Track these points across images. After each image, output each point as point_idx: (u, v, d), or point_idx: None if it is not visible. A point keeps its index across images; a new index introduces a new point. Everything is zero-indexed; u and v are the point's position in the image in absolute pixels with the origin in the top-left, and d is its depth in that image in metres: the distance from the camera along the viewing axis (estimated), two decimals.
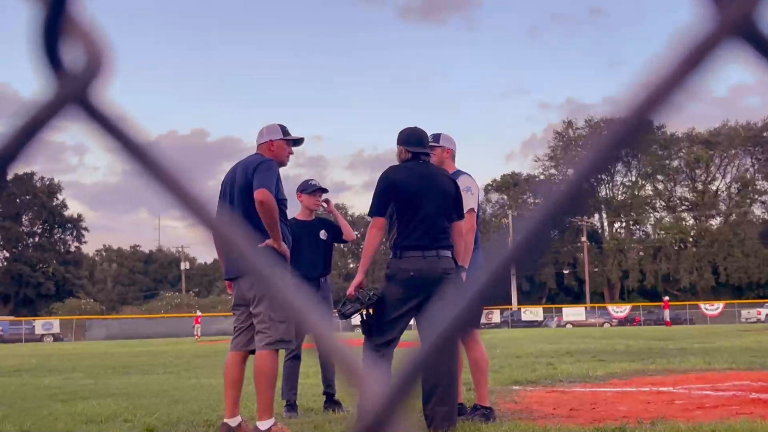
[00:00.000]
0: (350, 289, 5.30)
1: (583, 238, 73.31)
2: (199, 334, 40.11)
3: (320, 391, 7.00)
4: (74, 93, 0.50)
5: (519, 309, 62.30)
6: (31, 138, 0.51)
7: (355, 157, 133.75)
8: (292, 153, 5.59)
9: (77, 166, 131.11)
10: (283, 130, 5.55)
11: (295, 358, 6.62)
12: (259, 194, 5.05)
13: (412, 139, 5.38)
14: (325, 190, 7.02)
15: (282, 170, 5.45)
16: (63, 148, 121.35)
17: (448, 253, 5.21)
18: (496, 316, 59.50)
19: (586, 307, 61.30)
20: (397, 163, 5.44)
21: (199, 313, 43.38)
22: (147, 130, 0.52)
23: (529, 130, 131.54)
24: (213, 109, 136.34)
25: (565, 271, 77.95)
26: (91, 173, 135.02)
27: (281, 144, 5.51)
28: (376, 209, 5.25)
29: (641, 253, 77.42)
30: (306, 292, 0.53)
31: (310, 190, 6.96)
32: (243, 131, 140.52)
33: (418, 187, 5.21)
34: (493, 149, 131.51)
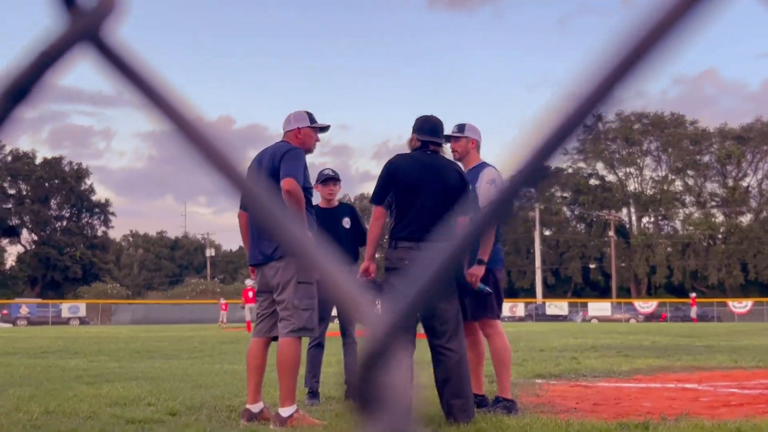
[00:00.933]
0: (358, 275, 5.33)
1: (611, 233, 72.74)
2: (225, 320, 40.19)
3: (342, 380, 7.00)
4: (86, 30, 0.49)
5: (544, 303, 61.92)
6: (42, 74, 0.50)
7: (380, 146, 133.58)
8: (318, 140, 5.58)
9: (104, 151, 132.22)
10: (310, 117, 5.54)
11: (318, 346, 6.63)
12: (286, 183, 5.04)
13: (424, 128, 5.32)
14: (334, 179, 6.98)
15: (307, 158, 5.44)
16: (90, 133, 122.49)
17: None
18: (520, 310, 59.21)
19: (612, 303, 60.80)
20: (408, 150, 5.41)
21: (224, 300, 43.47)
22: (159, 71, 0.51)
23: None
24: (239, 97, 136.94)
25: (592, 266, 77.36)
26: (118, 158, 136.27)
27: (308, 131, 5.49)
28: (375, 197, 5.26)
29: (669, 249, 76.64)
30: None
31: (321, 179, 6.95)
32: (269, 119, 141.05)
33: (419, 178, 5.14)
34: (519, 141, 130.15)
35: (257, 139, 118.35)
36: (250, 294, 30.74)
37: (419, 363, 5.71)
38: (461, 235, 0.42)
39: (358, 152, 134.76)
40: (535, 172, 0.41)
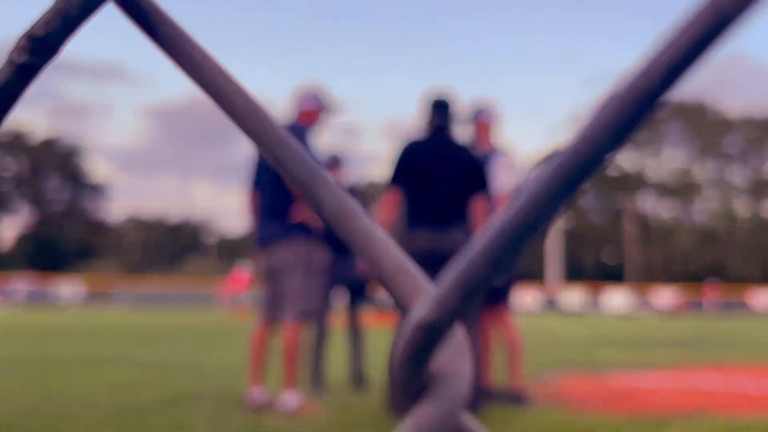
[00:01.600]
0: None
1: (628, 223, 72.30)
2: (232, 304, 37.63)
3: (347, 366, 6.87)
4: None
5: (557, 292, 61.70)
6: (70, 34, 0.49)
7: (388, 126, 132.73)
8: (327, 120, 5.52)
9: (103, 128, 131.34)
10: (321, 96, 5.49)
11: (323, 332, 6.48)
12: None
13: (434, 110, 5.18)
14: (336, 161, 6.83)
15: (313, 137, 5.39)
16: (89, 110, 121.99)
17: (461, 232, 5.00)
18: (532, 300, 59.00)
19: (628, 293, 60.49)
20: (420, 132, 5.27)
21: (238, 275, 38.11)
22: (186, 29, 0.49)
23: (574, 103, 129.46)
24: (248, 74, 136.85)
25: (607, 256, 77.02)
26: (118, 136, 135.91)
27: (318, 111, 5.45)
28: (389, 182, 5.15)
29: (688, 241, 76.12)
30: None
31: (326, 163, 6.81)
32: (277, 97, 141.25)
33: (431, 162, 5.03)
34: (536, 122, 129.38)
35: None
36: (243, 278, 30.12)
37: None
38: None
39: (365, 131, 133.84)
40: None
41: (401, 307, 0.40)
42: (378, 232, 0.44)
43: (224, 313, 31.63)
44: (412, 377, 0.39)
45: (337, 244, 6.39)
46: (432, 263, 4.89)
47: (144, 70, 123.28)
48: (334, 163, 6.83)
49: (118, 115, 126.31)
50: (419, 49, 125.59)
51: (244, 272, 30.47)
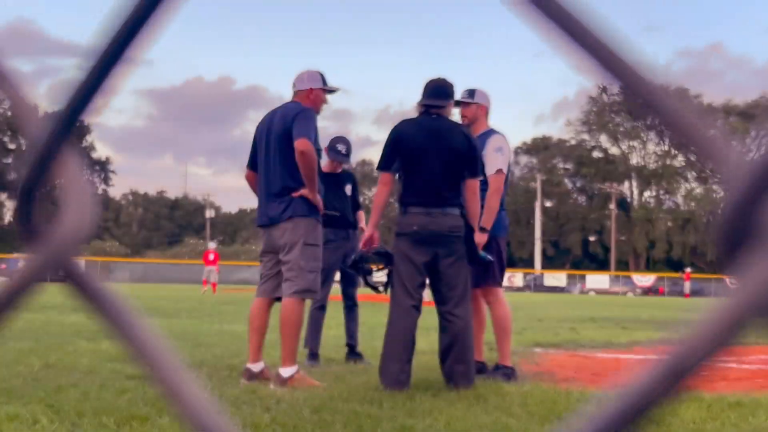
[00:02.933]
0: (361, 244, 5.34)
1: (612, 206, 72.71)
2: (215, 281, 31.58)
3: (343, 342, 7.03)
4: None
5: (542, 274, 62.06)
6: None
7: (381, 112, 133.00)
8: (327, 102, 5.54)
9: (103, 108, 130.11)
10: (323, 78, 5.51)
11: (320, 309, 6.63)
12: (301, 144, 5.02)
13: (427, 91, 5.25)
14: (342, 146, 6.94)
15: None
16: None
17: (456, 211, 5.10)
18: (518, 280, 59.34)
19: (610, 275, 60.95)
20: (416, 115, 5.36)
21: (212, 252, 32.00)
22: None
23: (561, 93, 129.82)
24: (240, 57, 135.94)
25: (591, 238, 77.45)
26: (117, 116, 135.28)
27: (320, 92, 5.46)
28: (382, 164, 5.24)
29: (669, 224, 76.66)
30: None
31: (335, 155, 6.90)
32: (269, 81, 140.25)
33: (424, 142, 5.09)
34: (524, 110, 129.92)
35: (256, 100, 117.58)
36: (211, 257, 30.82)
37: (425, 329, 5.74)
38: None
39: (359, 117, 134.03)
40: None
41: None
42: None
43: (201, 289, 31.70)
44: None
45: (337, 222, 6.54)
46: (426, 242, 5.06)
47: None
48: (342, 148, 6.91)
49: (116, 95, 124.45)
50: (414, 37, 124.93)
51: (212, 252, 31.17)
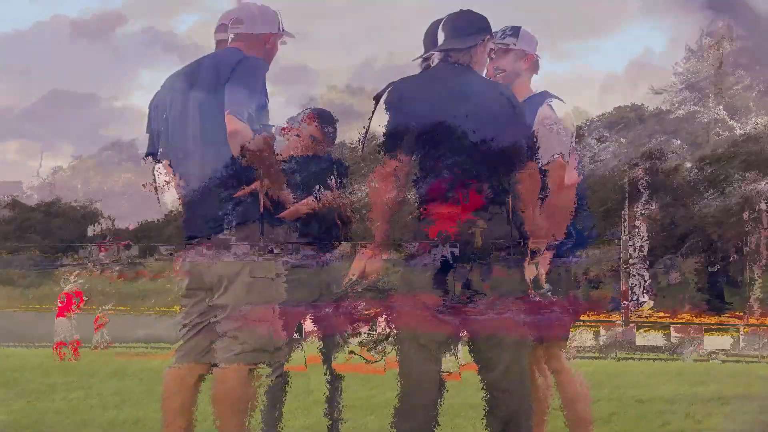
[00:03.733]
0: (353, 272, 3.37)
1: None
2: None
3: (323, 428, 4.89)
4: None
5: (632, 327, 45.66)
6: None
7: (361, 67, 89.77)
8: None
9: None
10: (279, 20, 3.77)
11: (281, 378, 4.55)
12: (232, 122, 3.29)
13: (444, 27, 3.36)
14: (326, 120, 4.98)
15: None
16: None
17: (500, 211, 3.26)
18: (595, 336, 41.79)
19: (743, 331, 45.35)
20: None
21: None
22: None
23: None
24: None
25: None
26: None
27: (275, 40, 3.76)
28: (384, 148, 3.31)
29: None
30: None
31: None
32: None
33: (441, 108, 3.26)
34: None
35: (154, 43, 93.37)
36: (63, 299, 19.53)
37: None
38: None
39: (324, 77, 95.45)
40: None
41: None
42: None
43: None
44: None
45: (320, 229, 4.52)
46: (460, 262, 3.16)
47: None
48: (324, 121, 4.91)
49: None
50: None
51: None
